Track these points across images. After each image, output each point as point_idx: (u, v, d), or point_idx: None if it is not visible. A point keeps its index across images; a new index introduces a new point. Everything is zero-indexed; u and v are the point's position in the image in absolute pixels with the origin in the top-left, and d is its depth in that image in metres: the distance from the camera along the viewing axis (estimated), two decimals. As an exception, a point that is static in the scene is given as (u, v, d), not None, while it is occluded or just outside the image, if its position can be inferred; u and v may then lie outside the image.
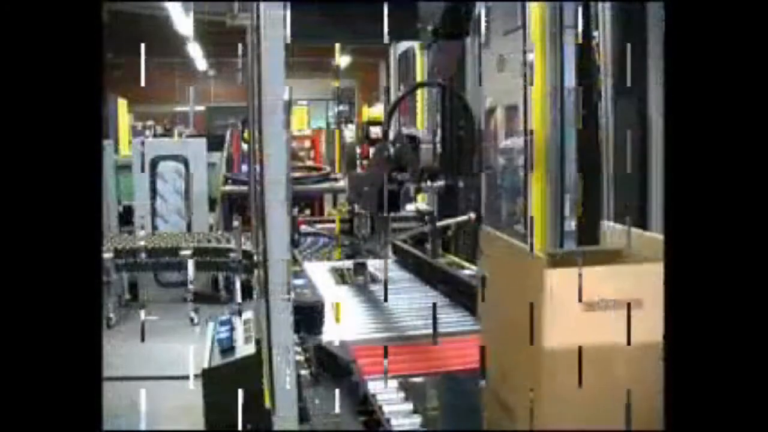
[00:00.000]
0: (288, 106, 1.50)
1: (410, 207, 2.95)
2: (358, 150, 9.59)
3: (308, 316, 2.18)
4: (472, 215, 2.49)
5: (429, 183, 2.29)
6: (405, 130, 2.40)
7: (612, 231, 1.46)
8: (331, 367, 1.84)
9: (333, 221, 3.31)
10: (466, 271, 2.74)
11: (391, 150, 2.36)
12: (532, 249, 1.25)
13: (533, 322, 1.12)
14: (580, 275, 1.11)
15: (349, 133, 11.87)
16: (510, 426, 1.28)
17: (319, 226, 3.30)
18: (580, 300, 1.12)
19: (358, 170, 4.18)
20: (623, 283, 1.16)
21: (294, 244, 3.12)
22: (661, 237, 1.21)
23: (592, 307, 1.14)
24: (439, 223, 2.48)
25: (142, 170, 7.43)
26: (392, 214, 2.65)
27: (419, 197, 3.26)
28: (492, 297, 1.41)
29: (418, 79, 3.68)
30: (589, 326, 1.12)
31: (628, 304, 1.12)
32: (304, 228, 3.27)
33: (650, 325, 1.10)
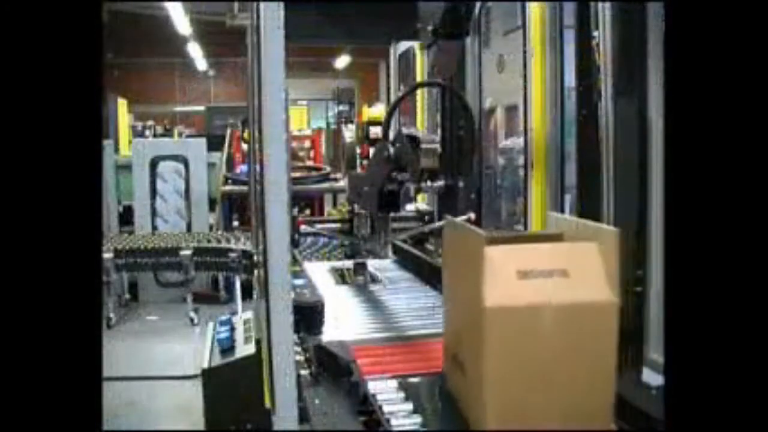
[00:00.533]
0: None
1: (410, 207, 2.95)
2: (358, 150, 9.60)
3: (308, 316, 2.18)
4: (472, 215, 2.49)
5: (429, 183, 2.29)
6: (405, 130, 2.40)
7: (557, 220, 1.75)
8: (331, 367, 1.84)
9: (333, 221, 3.31)
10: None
11: (391, 150, 2.36)
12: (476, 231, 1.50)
13: (477, 289, 1.36)
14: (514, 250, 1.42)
15: (349, 133, 11.88)
16: (462, 379, 1.53)
17: (319, 226, 3.30)
18: (515, 270, 1.38)
19: (358, 170, 4.19)
20: (552, 258, 1.40)
21: (294, 244, 3.12)
22: (593, 224, 1.60)
23: (526, 275, 1.37)
24: (439, 223, 2.47)
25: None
26: (392, 214, 2.66)
27: (419, 197, 3.26)
28: (451, 273, 1.69)
29: (418, 79, 3.68)
30: (523, 290, 1.37)
31: (555, 272, 1.38)
32: (304, 228, 3.26)
33: (574, 291, 1.37)
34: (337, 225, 3.15)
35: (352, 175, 3.22)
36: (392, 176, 2.41)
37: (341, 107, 16.24)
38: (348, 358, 1.83)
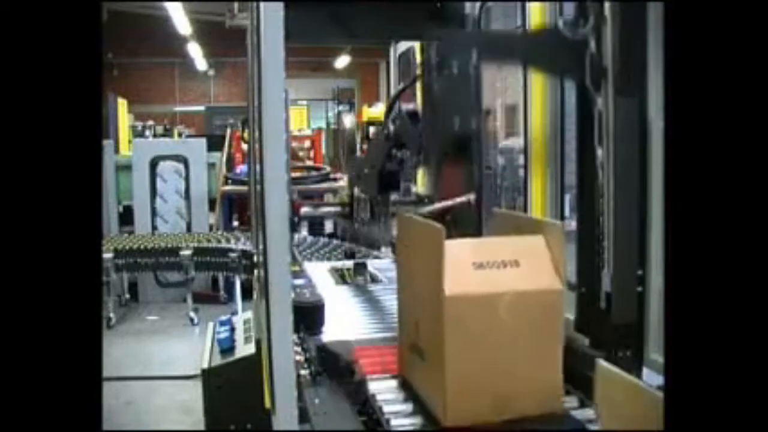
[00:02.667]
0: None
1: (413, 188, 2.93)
2: (358, 137, 9.58)
3: (308, 316, 2.18)
4: (471, 196, 2.45)
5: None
6: (405, 106, 2.35)
7: (502, 216, 1.92)
8: (331, 367, 1.84)
9: (333, 205, 3.30)
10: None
11: (391, 128, 2.33)
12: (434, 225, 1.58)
13: (437, 279, 1.47)
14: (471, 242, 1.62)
15: (349, 120, 11.87)
16: (422, 365, 1.63)
17: (324, 209, 3.29)
18: (471, 262, 1.51)
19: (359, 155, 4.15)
20: (504, 250, 1.55)
21: (293, 228, 3.11)
22: (541, 218, 1.83)
23: (481, 266, 1.51)
24: (438, 205, 2.44)
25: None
26: (391, 198, 2.63)
27: (419, 181, 3.25)
28: (407, 265, 1.77)
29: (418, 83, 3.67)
30: (479, 280, 1.49)
31: (507, 263, 1.53)
32: (304, 211, 3.26)
33: (524, 279, 1.52)
34: (337, 209, 3.12)
35: (352, 159, 3.20)
36: (392, 154, 2.38)
37: (341, 107, 16.24)
38: (349, 358, 1.83)
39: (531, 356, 1.52)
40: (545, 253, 1.55)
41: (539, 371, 1.53)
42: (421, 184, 3.37)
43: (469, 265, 1.50)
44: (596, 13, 1.76)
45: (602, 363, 1.00)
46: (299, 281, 2.55)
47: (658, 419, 0.91)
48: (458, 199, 2.41)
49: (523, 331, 1.51)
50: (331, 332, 2.21)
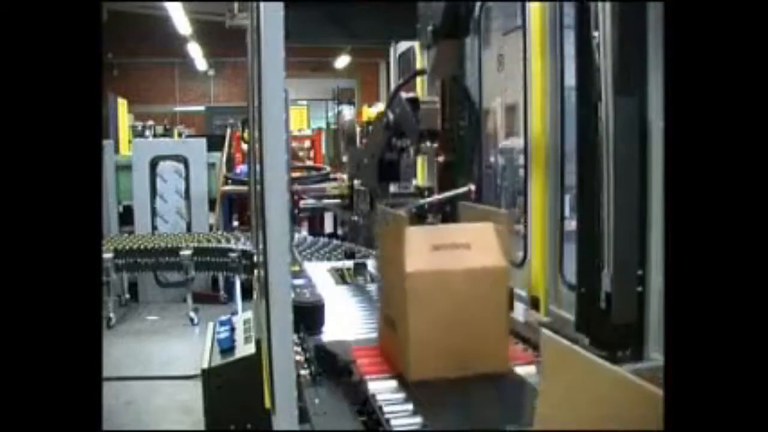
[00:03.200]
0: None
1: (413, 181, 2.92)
2: (358, 129, 9.57)
3: (308, 316, 2.18)
4: (472, 187, 2.45)
5: (429, 144, 2.24)
6: (404, 95, 2.34)
7: (463, 206, 2.17)
8: (331, 367, 1.84)
9: (333, 197, 3.29)
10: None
11: (391, 116, 2.32)
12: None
13: (401, 259, 1.75)
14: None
15: (348, 112, 11.87)
16: (393, 333, 1.88)
17: (325, 201, 3.29)
18: (430, 245, 1.78)
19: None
20: (458, 235, 1.83)
21: (293, 219, 3.10)
22: (492, 208, 2.03)
23: (438, 248, 1.78)
24: (438, 196, 2.44)
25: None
26: (391, 190, 2.62)
27: (419, 175, 3.24)
28: (383, 250, 2.06)
29: (419, 79, 3.67)
30: (435, 259, 1.77)
31: (460, 246, 1.80)
32: (304, 203, 3.26)
33: (474, 259, 1.79)
34: (338, 201, 3.12)
35: (351, 150, 3.19)
36: (392, 143, 2.37)
37: (341, 107, 16.22)
38: (348, 358, 1.83)
39: (481, 323, 1.78)
40: (493, 237, 1.81)
41: (488, 335, 1.80)
42: (420, 177, 3.37)
43: (427, 248, 1.76)
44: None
45: (545, 331, 1.07)
46: (299, 281, 2.55)
47: (597, 384, 0.99)
48: (458, 191, 2.41)
49: (473, 302, 1.77)
50: (331, 332, 2.22)
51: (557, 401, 1.06)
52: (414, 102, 2.26)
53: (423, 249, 1.75)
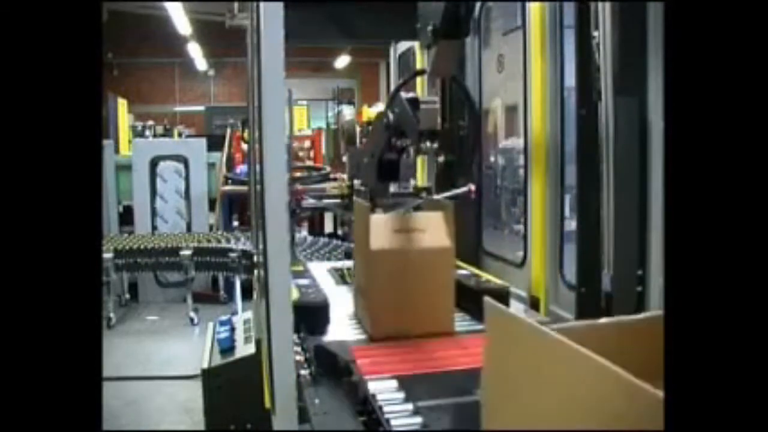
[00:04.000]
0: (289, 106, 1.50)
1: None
2: (358, 128, 9.55)
3: (313, 316, 2.18)
4: (472, 187, 2.45)
5: (429, 144, 2.25)
6: (404, 95, 2.34)
7: (426, 198, 2.53)
8: (331, 367, 1.84)
9: (333, 196, 3.31)
10: (462, 271, 2.71)
11: (391, 116, 2.32)
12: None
13: (367, 239, 2.11)
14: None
15: (348, 111, 11.86)
16: (363, 301, 2.26)
17: (325, 201, 3.31)
18: (390, 229, 2.16)
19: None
20: (414, 222, 2.20)
21: (293, 213, 3.11)
22: (443, 200, 2.38)
23: (398, 231, 2.16)
24: (437, 196, 2.44)
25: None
26: (391, 190, 2.62)
27: (418, 175, 3.23)
28: (356, 235, 2.46)
29: (419, 79, 3.67)
30: (395, 240, 2.14)
31: (416, 230, 2.18)
32: (305, 203, 3.27)
33: (426, 240, 2.15)
34: (338, 201, 3.13)
35: (351, 150, 3.20)
36: (392, 143, 2.38)
37: (341, 107, 16.22)
38: (348, 358, 1.83)
39: (430, 291, 2.15)
40: (442, 223, 2.19)
41: (437, 302, 2.17)
42: (420, 177, 3.37)
43: (389, 231, 2.15)
44: None
45: (487, 299, 1.14)
46: (304, 281, 2.55)
47: (535, 348, 1.02)
48: (458, 191, 2.42)
49: (424, 274, 2.14)
50: (332, 332, 2.22)
51: (498, 362, 1.13)
52: (414, 102, 2.26)
53: (385, 232, 2.15)
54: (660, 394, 0.82)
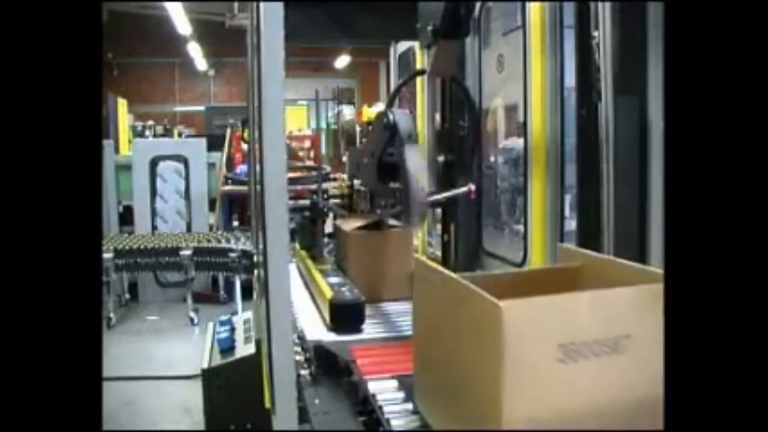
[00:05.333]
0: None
1: None
2: (358, 128, 9.55)
3: (350, 314, 2.19)
4: (472, 187, 2.45)
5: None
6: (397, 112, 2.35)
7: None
8: (331, 367, 1.84)
9: (333, 197, 3.34)
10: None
11: (391, 117, 2.33)
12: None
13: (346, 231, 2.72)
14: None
15: (348, 111, 11.83)
16: (346, 278, 2.63)
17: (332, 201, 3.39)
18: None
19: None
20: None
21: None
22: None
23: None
24: (437, 196, 2.45)
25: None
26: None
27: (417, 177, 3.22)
28: (341, 227, 2.97)
29: (419, 79, 3.67)
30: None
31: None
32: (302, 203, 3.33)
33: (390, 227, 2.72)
34: (338, 201, 3.16)
35: (351, 150, 3.22)
36: (392, 143, 2.38)
37: (341, 107, 16.21)
38: (348, 358, 1.83)
39: (394, 265, 2.62)
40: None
41: (400, 272, 2.54)
42: (420, 177, 3.35)
43: (361, 223, 2.77)
44: None
45: (416, 255, 1.37)
46: (336, 279, 2.55)
47: (456, 298, 1.32)
48: (458, 191, 2.42)
49: (390, 251, 2.68)
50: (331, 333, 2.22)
51: (422, 303, 1.56)
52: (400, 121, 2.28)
53: (358, 224, 2.77)
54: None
